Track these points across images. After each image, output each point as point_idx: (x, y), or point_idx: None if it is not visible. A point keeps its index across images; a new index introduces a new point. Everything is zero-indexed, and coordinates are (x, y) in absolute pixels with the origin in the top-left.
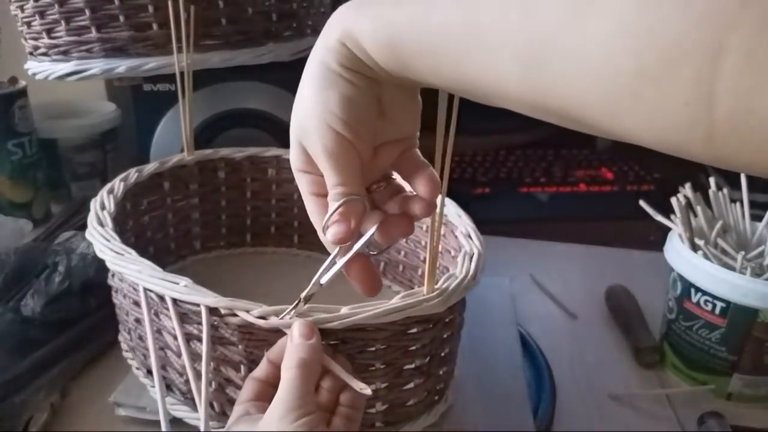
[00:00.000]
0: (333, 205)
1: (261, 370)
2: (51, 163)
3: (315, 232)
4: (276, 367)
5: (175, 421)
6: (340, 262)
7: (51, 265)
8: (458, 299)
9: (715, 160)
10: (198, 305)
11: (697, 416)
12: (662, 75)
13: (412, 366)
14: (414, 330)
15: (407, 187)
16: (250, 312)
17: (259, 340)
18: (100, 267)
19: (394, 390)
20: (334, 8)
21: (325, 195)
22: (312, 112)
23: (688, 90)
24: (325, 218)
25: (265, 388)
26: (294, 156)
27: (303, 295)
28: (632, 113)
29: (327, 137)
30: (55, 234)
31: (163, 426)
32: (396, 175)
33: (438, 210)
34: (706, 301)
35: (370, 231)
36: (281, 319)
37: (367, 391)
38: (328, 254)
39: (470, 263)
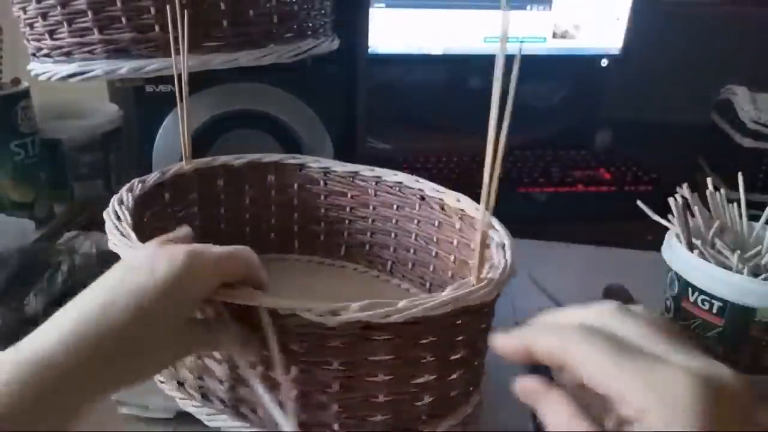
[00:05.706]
0: None
1: None
2: (53, 164)
3: (316, 236)
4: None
5: (181, 416)
6: None
7: (54, 265)
8: (503, 288)
9: None
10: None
11: None
12: None
13: (458, 356)
14: (460, 321)
15: None
16: (312, 311)
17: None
18: (103, 267)
19: (441, 381)
20: (334, 10)
21: None
22: None
23: None
24: None
25: None
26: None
27: None
28: None
29: None
30: (58, 234)
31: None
32: None
33: (483, 199)
34: (703, 301)
35: None
36: None
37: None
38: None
39: (504, 252)
